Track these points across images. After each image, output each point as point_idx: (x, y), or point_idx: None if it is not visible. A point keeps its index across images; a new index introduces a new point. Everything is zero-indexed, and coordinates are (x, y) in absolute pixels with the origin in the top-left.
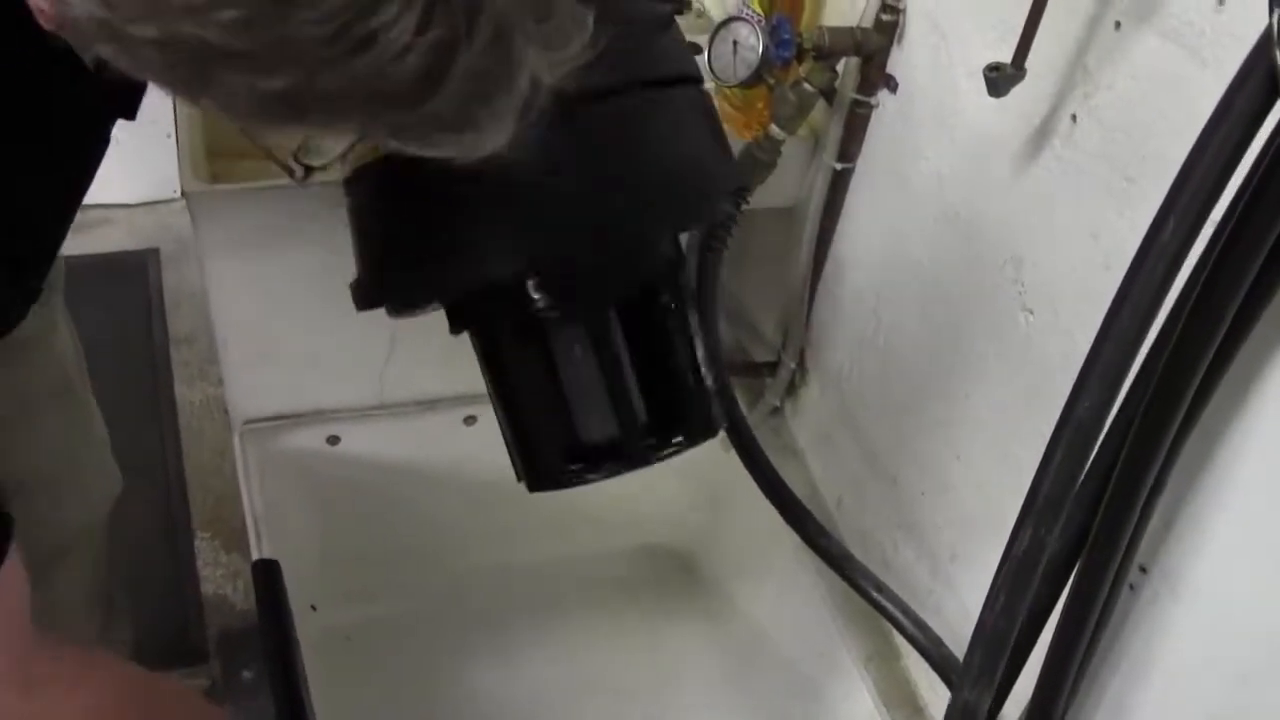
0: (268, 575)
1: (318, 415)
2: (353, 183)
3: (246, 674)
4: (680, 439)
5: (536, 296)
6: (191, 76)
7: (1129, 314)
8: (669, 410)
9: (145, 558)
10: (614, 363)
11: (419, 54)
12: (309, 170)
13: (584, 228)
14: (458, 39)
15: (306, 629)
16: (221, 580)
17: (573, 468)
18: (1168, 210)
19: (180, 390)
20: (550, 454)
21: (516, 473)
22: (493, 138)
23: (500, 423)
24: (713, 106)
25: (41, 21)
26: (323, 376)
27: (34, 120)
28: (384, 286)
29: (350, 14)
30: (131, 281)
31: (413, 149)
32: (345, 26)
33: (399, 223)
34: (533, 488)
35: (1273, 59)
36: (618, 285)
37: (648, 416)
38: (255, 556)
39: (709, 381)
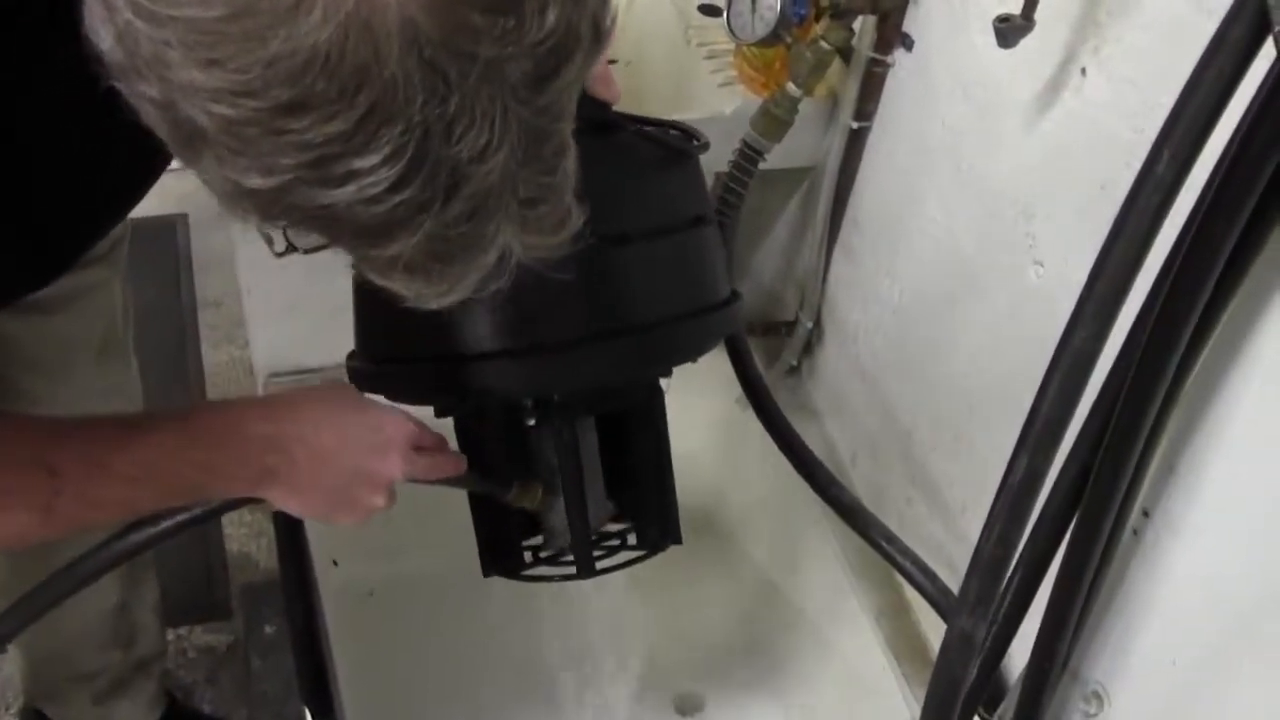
0: (289, 525)
1: (341, 369)
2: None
3: (269, 629)
4: (633, 552)
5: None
6: (183, 147)
7: (1124, 245)
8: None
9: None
10: (576, 475)
11: (387, 207)
12: (290, 248)
13: (586, 372)
14: (429, 205)
15: (329, 584)
16: (246, 539)
17: (524, 571)
18: (1161, 143)
19: (207, 352)
20: (506, 550)
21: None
22: (450, 293)
23: (471, 507)
24: (718, 242)
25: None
26: (347, 330)
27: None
28: (386, 375)
29: (333, 149)
30: (160, 246)
31: (370, 275)
32: (324, 159)
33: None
34: (486, 573)
35: None
36: (595, 408)
37: (604, 527)
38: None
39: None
